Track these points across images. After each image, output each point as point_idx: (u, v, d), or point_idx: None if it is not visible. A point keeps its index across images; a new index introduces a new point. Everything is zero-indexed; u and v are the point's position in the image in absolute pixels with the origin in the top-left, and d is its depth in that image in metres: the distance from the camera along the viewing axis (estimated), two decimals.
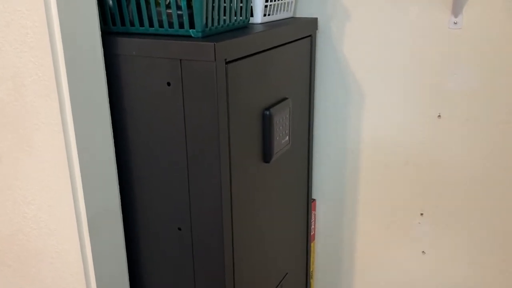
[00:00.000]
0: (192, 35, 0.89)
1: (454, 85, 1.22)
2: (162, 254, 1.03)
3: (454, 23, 1.17)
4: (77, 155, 0.87)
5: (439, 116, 1.25)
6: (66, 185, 0.89)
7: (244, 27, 1.04)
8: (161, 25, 0.92)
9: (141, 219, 1.02)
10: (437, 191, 1.31)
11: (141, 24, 0.94)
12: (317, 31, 1.30)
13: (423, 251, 1.38)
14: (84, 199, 0.90)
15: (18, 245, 1.01)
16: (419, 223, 1.36)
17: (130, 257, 1.07)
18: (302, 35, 1.18)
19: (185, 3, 0.87)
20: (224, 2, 0.95)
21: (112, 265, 0.99)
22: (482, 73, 1.18)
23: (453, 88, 1.22)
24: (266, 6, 1.12)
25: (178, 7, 0.89)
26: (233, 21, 0.99)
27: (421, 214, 1.35)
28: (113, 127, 0.97)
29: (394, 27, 1.24)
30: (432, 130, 1.27)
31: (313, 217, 1.46)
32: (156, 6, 0.91)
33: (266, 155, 1.06)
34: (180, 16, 0.90)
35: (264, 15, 1.12)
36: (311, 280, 1.52)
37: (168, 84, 0.89)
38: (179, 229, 0.99)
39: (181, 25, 0.90)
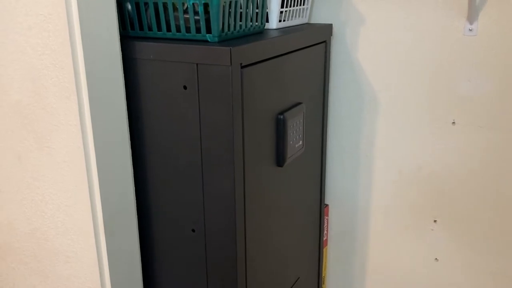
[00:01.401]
0: (209, 39, 0.91)
1: (469, 92, 1.22)
2: (175, 255, 1.04)
3: (470, 30, 1.17)
4: (94, 156, 0.88)
5: (454, 122, 1.25)
6: (83, 185, 0.91)
7: (260, 33, 1.05)
8: (178, 30, 0.94)
9: (155, 220, 1.03)
10: (451, 198, 1.31)
11: (159, 29, 0.95)
12: (331, 37, 1.31)
13: (436, 258, 1.37)
14: (101, 199, 0.91)
15: (36, 243, 1.03)
16: (433, 229, 1.35)
17: (144, 257, 1.08)
18: (317, 41, 1.19)
19: (202, 8, 0.89)
20: (241, 8, 0.96)
21: (126, 265, 1.01)
22: (497, 80, 1.18)
23: (467, 94, 1.22)
24: (281, 12, 1.13)
25: (196, 12, 0.91)
26: (249, 26, 1.00)
27: (435, 220, 1.34)
28: (129, 129, 0.98)
29: (408, 33, 1.24)
30: (446, 137, 1.27)
31: (325, 222, 1.46)
32: (173, 11, 0.92)
33: (280, 159, 1.07)
34: (197, 21, 0.91)
35: (280, 21, 1.13)
36: (323, 285, 1.51)
37: (185, 87, 0.90)
38: (193, 230, 1.00)
39: (198, 30, 0.92)
